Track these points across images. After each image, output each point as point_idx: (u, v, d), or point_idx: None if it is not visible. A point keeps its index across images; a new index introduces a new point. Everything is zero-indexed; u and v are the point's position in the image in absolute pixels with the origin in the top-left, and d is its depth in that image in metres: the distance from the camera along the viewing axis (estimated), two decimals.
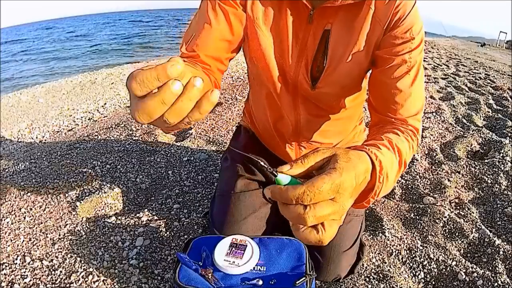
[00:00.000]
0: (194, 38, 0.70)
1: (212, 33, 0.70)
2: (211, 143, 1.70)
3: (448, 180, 1.34)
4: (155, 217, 1.11)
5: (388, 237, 1.02)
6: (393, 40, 0.65)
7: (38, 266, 0.88)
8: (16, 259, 0.90)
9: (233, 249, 0.69)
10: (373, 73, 0.72)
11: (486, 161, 1.49)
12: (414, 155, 1.56)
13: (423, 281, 0.88)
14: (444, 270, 0.90)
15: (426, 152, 1.62)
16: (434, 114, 2.16)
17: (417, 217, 1.12)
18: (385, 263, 0.93)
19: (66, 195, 1.19)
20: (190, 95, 0.31)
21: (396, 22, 0.64)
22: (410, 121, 0.67)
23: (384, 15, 0.64)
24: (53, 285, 0.83)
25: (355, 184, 0.41)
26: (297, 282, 0.63)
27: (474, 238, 1.02)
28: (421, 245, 0.99)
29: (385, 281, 0.86)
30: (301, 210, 0.37)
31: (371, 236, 1.03)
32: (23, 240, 0.98)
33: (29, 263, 0.89)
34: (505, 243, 0.99)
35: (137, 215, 1.11)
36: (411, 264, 0.93)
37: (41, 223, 1.05)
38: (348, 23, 0.67)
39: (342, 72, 0.70)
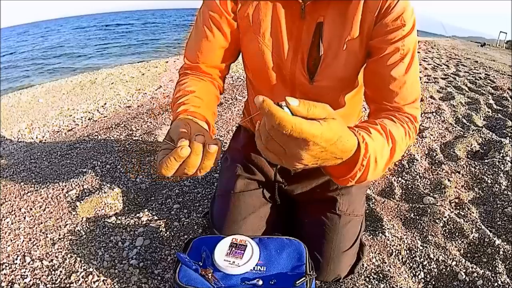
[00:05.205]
0: (194, 50, 0.78)
1: (208, 45, 0.76)
2: None
3: (448, 180, 1.34)
4: (155, 217, 1.11)
5: (388, 237, 1.02)
6: (384, 28, 0.66)
7: (38, 266, 0.88)
8: (16, 259, 0.90)
9: (233, 249, 0.69)
10: (368, 64, 0.72)
11: (486, 161, 1.49)
12: (414, 155, 1.56)
13: (423, 281, 0.88)
14: (444, 270, 0.90)
15: (426, 152, 1.62)
16: (434, 114, 2.15)
17: (417, 217, 1.12)
18: (385, 263, 0.93)
19: (66, 195, 1.19)
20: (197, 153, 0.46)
21: (386, 9, 0.65)
22: (406, 109, 0.68)
23: (374, 3, 0.65)
24: (53, 285, 0.83)
25: (324, 148, 0.42)
26: (297, 282, 0.63)
27: (474, 238, 1.02)
28: (421, 245, 0.99)
29: (385, 281, 0.86)
30: (259, 142, 0.44)
31: (371, 236, 1.03)
32: (23, 240, 0.98)
33: (29, 263, 0.89)
34: (505, 243, 0.99)
35: (137, 215, 1.11)
36: (411, 264, 0.93)
37: (41, 223, 1.05)
38: (340, 15, 0.68)
39: (339, 64, 0.71)
